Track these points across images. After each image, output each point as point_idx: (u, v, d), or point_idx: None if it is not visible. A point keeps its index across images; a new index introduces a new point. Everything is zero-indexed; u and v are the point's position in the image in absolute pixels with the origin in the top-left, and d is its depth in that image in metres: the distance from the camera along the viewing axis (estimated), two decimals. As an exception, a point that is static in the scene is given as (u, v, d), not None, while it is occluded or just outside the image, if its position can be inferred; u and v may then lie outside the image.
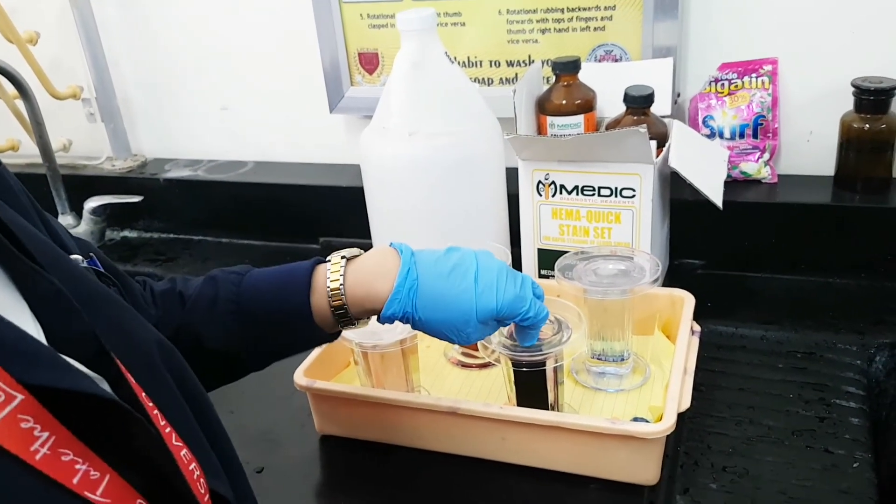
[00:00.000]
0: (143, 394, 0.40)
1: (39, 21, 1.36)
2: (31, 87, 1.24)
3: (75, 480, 0.34)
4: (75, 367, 0.37)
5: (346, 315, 0.61)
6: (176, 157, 1.44)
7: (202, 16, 1.31)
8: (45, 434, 0.33)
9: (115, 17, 1.37)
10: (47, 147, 1.30)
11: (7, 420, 0.32)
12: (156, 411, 0.40)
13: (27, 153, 1.46)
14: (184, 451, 0.41)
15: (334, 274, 0.61)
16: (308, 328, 0.62)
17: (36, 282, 0.38)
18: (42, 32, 1.34)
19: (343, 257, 0.62)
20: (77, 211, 1.36)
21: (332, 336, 0.65)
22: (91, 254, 0.51)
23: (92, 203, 1.33)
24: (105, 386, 0.39)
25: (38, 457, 0.32)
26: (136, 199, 1.34)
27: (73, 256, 0.48)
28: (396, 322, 0.75)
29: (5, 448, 0.31)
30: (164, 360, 0.45)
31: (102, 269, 0.50)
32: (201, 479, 0.41)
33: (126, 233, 1.42)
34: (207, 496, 0.42)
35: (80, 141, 1.49)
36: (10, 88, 1.27)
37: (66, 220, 1.36)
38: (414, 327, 0.63)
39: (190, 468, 0.40)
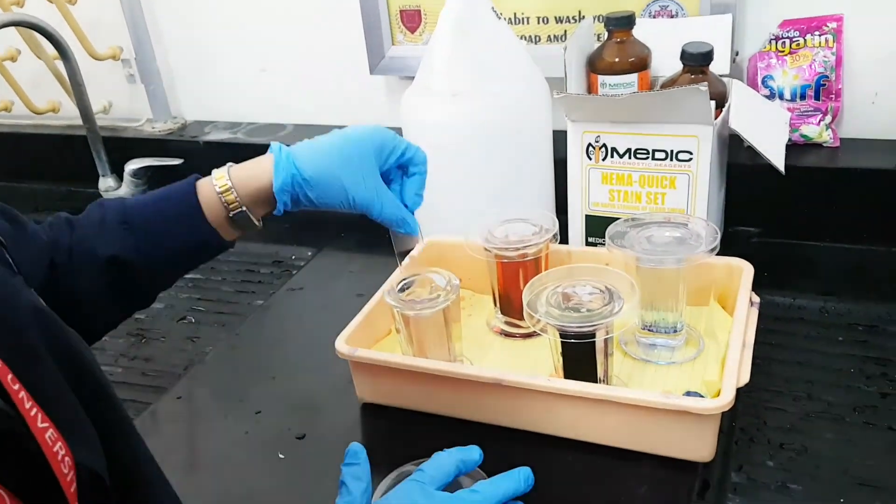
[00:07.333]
0: (10, 375, 0.38)
1: (78, -20, 1.35)
2: (71, 47, 1.23)
3: None
4: None
5: (236, 202, 0.65)
6: (215, 120, 1.43)
7: (241, -26, 1.29)
8: None
9: (154, -24, 1.36)
10: (87, 109, 1.30)
11: None
12: (22, 393, 0.39)
13: (67, 115, 1.46)
14: (49, 432, 0.39)
15: (218, 172, 0.66)
16: (197, 225, 0.65)
17: None
18: (81, -8, 1.33)
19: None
20: (118, 173, 1.36)
21: (230, 243, 0.68)
22: None
23: (133, 165, 1.34)
24: None
25: None
26: (177, 161, 1.34)
27: None
28: (438, 291, 0.73)
29: None
30: (40, 328, 0.43)
31: None
32: (66, 458, 0.40)
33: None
34: (72, 474, 0.40)
35: (120, 103, 1.49)
36: (50, 49, 1.26)
37: (106, 182, 1.36)
38: (309, 195, 0.67)
39: (55, 449, 0.39)
